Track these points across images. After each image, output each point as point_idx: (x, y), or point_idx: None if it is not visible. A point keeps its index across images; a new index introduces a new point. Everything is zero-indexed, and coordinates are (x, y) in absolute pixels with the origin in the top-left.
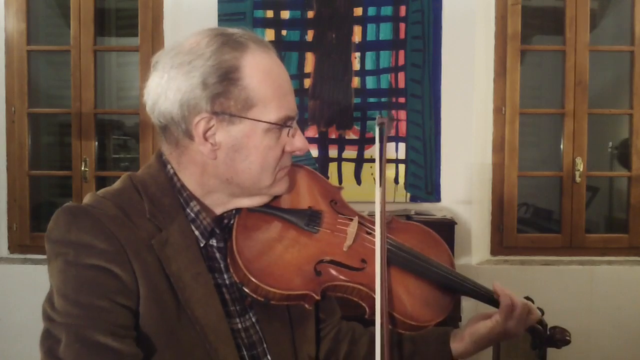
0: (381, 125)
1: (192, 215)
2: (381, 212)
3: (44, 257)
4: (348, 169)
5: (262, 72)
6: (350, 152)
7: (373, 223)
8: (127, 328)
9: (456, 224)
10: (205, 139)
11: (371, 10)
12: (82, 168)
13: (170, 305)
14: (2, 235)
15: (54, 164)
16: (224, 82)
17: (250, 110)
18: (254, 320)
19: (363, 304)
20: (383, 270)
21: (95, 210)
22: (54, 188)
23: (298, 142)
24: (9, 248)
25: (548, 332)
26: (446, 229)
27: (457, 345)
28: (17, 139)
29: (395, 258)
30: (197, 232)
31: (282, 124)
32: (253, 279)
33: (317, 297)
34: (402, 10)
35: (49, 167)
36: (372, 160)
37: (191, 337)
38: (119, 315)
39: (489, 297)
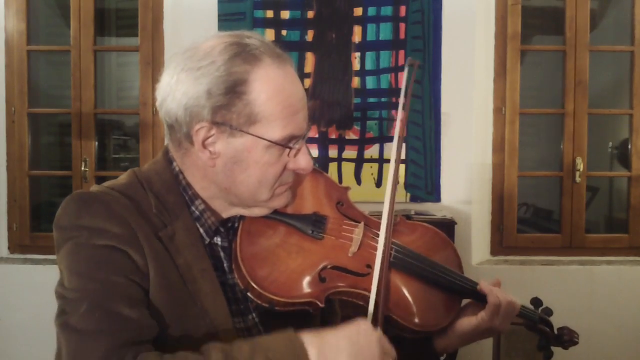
0: (411, 66)
1: (197, 213)
2: (392, 185)
3: (44, 257)
4: (348, 169)
5: (271, 88)
6: (350, 152)
7: (379, 227)
8: (144, 302)
9: (456, 224)
10: (204, 147)
11: (371, 10)
12: (82, 168)
13: (181, 292)
14: (2, 235)
15: (54, 164)
16: (229, 95)
17: (252, 125)
18: (256, 320)
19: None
20: (382, 277)
21: (106, 196)
22: (54, 188)
23: (302, 161)
24: (9, 248)
25: (556, 332)
26: (446, 229)
27: (440, 340)
28: (17, 139)
29: (401, 263)
30: (201, 230)
31: (284, 144)
32: (257, 287)
33: (321, 305)
34: (402, 10)
35: (49, 167)
36: (372, 160)
37: (200, 327)
38: (135, 290)
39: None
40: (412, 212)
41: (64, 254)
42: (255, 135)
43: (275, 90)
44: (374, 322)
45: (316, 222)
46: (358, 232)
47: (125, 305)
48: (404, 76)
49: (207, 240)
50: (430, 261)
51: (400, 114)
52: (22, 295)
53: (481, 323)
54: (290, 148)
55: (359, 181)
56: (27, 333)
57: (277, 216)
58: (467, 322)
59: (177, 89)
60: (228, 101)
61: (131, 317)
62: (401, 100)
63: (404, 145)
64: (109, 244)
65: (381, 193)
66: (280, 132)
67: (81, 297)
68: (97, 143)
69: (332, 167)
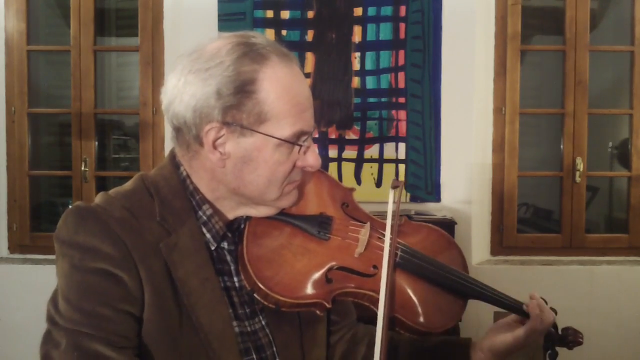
0: (395, 188)
1: (204, 218)
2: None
3: (44, 257)
4: (348, 169)
5: (280, 87)
6: (350, 152)
7: (385, 228)
8: (128, 338)
9: (456, 224)
10: (215, 148)
11: (371, 10)
12: (82, 168)
13: (174, 311)
14: (2, 235)
15: (54, 164)
16: (239, 95)
17: (262, 124)
18: (263, 323)
19: (374, 309)
20: (388, 285)
21: (104, 212)
22: (54, 188)
23: (310, 158)
24: (9, 248)
25: (560, 332)
26: (446, 229)
27: (476, 357)
28: (17, 139)
29: (406, 264)
30: (208, 235)
31: (294, 141)
32: (263, 287)
33: (328, 305)
34: (402, 10)
35: (49, 167)
36: (372, 160)
37: (193, 344)
38: (120, 324)
39: (501, 301)
40: (412, 212)
41: (60, 272)
42: (266, 134)
43: (284, 89)
44: (382, 322)
45: (322, 223)
46: (364, 232)
47: (105, 344)
48: (389, 199)
49: (214, 245)
50: (435, 262)
51: (388, 239)
52: (22, 295)
53: (517, 342)
54: (300, 145)
55: (359, 181)
56: (27, 333)
57: (284, 217)
58: (501, 341)
59: (185, 91)
60: (238, 101)
61: (109, 357)
62: (388, 222)
63: (404, 145)
64: (101, 268)
65: (381, 193)
66: (289, 130)
67: (65, 327)
68: (97, 143)
69: (332, 167)
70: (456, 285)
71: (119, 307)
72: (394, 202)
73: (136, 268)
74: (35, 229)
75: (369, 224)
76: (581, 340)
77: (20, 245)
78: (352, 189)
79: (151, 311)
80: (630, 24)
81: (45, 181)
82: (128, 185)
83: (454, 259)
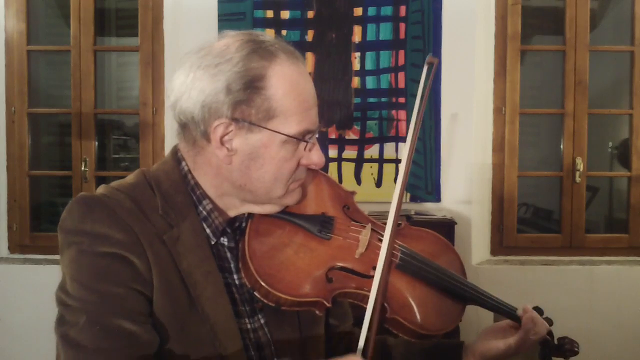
0: (430, 65)
1: (204, 213)
2: (402, 186)
3: (44, 257)
4: (348, 169)
5: (288, 84)
6: (350, 152)
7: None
8: (144, 314)
9: (456, 224)
10: (222, 144)
11: (371, 10)
12: (82, 168)
13: (182, 300)
14: (2, 235)
15: (54, 164)
16: (248, 90)
17: (270, 120)
18: (262, 322)
19: None
20: (384, 272)
21: (111, 201)
22: (54, 188)
23: (315, 156)
24: (9, 248)
25: (557, 342)
26: (446, 229)
27: None
28: (17, 139)
29: (406, 265)
30: (208, 230)
31: (300, 138)
32: (264, 285)
33: (328, 304)
34: (402, 10)
35: (49, 167)
36: (372, 160)
37: (201, 333)
38: (135, 302)
39: (498, 307)
40: (412, 212)
41: (67, 260)
42: (273, 130)
43: (292, 86)
44: (371, 323)
45: (324, 223)
46: (365, 233)
47: (125, 319)
48: (423, 75)
49: (214, 240)
50: (435, 265)
51: (416, 116)
52: (22, 295)
53: (508, 349)
54: (307, 142)
55: (359, 181)
56: (27, 333)
57: (286, 216)
58: (494, 347)
59: (194, 87)
60: (247, 97)
61: (131, 331)
62: (418, 100)
63: (404, 145)
64: (111, 252)
65: (381, 193)
66: (296, 127)
67: (81, 308)
68: (97, 143)
69: (332, 167)
70: (455, 289)
71: (132, 287)
72: (427, 79)
73: (145, 253)
74: (35, 229)
75: (369, 225)
76: (577, 349)
77: (20, 245)
78: (353, 192)
79: (159, 295)
80: (630, 24)
81: (45, 181)
82: (130, 178)
83: (452, 263)
